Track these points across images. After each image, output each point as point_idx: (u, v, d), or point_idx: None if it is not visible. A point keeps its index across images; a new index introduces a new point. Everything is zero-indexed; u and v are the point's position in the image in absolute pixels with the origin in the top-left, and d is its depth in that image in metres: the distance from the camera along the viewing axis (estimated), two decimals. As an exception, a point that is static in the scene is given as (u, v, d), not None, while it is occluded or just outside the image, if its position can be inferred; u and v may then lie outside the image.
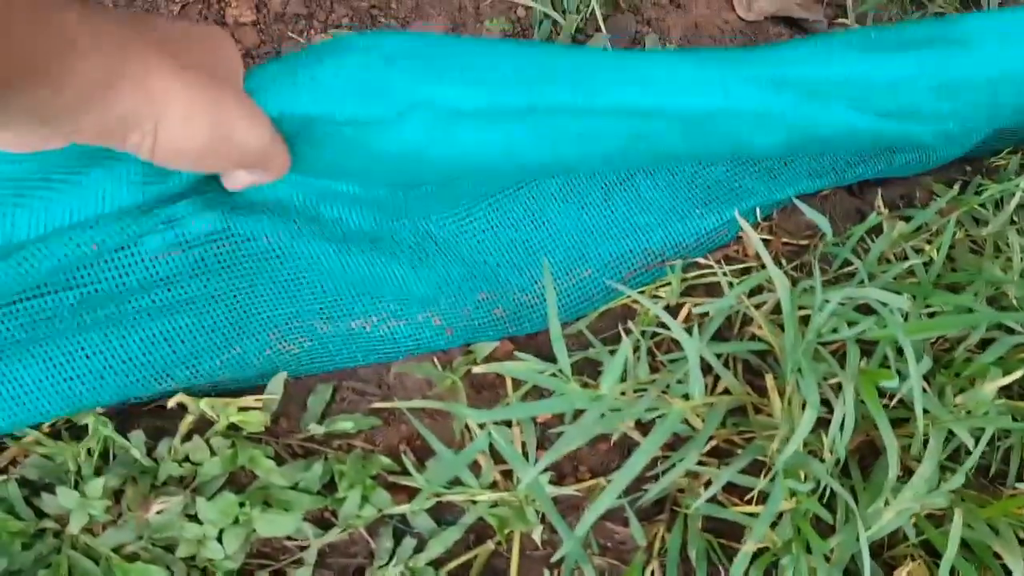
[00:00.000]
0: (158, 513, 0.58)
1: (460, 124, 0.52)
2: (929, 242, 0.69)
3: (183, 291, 0.58)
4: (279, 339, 0.62)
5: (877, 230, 0.73)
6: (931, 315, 0.63)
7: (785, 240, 0.74)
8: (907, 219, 0.72)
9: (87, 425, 0.59)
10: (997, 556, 0.57)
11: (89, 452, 0.59)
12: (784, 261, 0.74)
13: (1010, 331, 0.61)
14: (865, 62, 0.61)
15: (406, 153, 0.52)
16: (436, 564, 0.61)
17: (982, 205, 0.72)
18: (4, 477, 0.59)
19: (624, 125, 0.57)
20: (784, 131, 0.63)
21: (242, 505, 0.58)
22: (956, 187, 0.77)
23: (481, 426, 0.60)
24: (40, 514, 0.59)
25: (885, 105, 0.63)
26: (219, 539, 0.58)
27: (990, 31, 0.64)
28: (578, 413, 0.54)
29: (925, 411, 0.54)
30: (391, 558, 0.61)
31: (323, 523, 0.62)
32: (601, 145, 0.59)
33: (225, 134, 0.42)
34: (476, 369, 0.57)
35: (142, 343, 0.57)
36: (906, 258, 0.69)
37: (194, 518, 0.58)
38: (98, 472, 0.59)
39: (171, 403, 0.59)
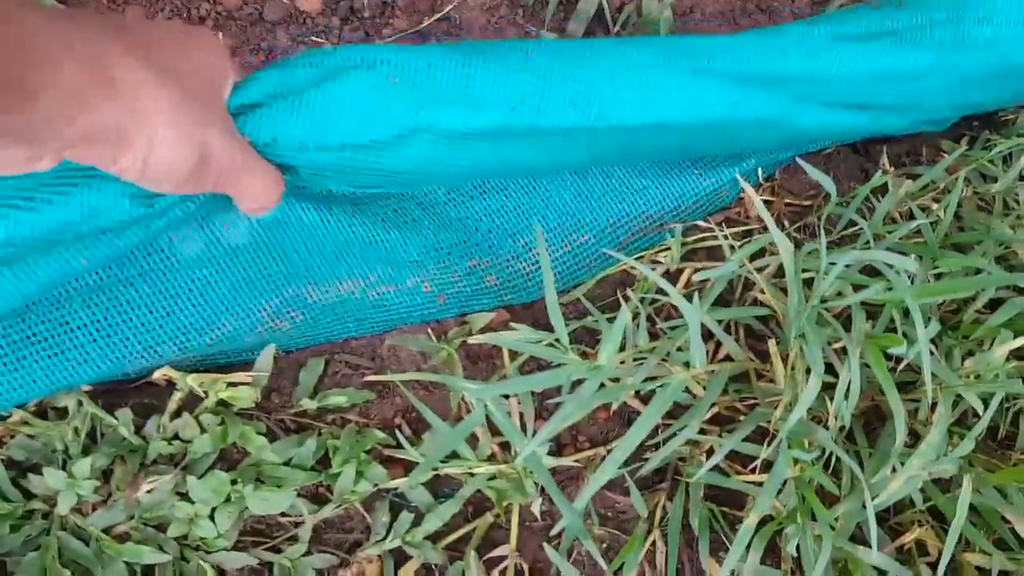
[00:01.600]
0: (148, 492, 0.56)
1: (462, 144, 0.51)
2: (936, 200, 0.67)
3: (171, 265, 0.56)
4: (270, 317, 0.60)
5: (882, 189, 0.71)
6: (938, 276, 0.61)
7: (788, 201, 0.72)
8: (913, 177, 0.69)
9: (73, 404, 0.58)
10: (1005, 520, 0.56)
11: (76, 431, 0.58)
12: (787, 222, 0.72)
13: (1020, 291, 0.59)
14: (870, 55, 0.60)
15: (405, 171, 0.51)
16: (434, 538, 0.60)
17: (990, 161, 0.70)
18: (-11, 458, 0.58)
19: (626, 136, 0.56)
20: (783, 133, 0.64)
21: (234, 483, 0.57)
22: (963, 143, 0.75)
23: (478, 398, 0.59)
24: (28, 495, 0.58)
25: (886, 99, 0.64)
26: (211, 517, 0.57)
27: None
28: (577, 383, 0.52)
29: (933, 376, 0.52)
30: (388, 533, 0.60)
31: (318, 499, 0.61)
32: (603, 151, 0.59)
33: (207, 155, 0.41)
34: (472, 340, 0.56)
35: (128, 318, 0.56)
36: (912, 217, 0.66)
37: (185, 497, 0.57)
38: (86, 452, 0.58)
39: (157, 375, 0.58)
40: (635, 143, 0.59)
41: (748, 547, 0.53)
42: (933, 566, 0.59)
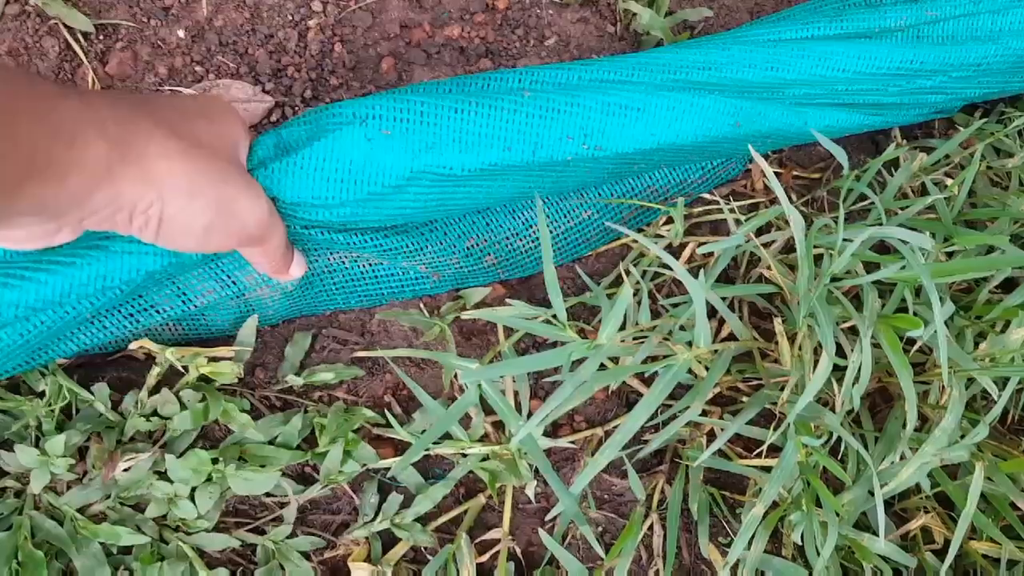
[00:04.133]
0: (125, 471, 0.54)
1: (460, 184, 0.52)
2: (949, 176, 0.64)
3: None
4: (255, 283, 0.57)
5: (894, 162, 0.68)
6: (950, 254, 0.59)
7: (796, 174, 0.70)
8: (927, 151, 0.67)
9: (46, 378, 0.55)
10: (1015, 507, 0.55)
11: (50, 407, 0.55)
12: (794, 196, 0.69)
13: (1038, 271, 0.57)
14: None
15: (404, 212, 0.53)
16: (424, 520, 0.58)
17: (1006, 135, 0.67)
18: None
19: (625, 161, 0.57)
20: (788, 139, 0.65)
21: (215, 461, 0.55)
22: (978, 115, 0.72)
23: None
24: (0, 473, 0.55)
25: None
26: (191, 498, 0.55)
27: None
28: (576, 363, 0.50)
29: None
30: (376, 514, 0.58)
31: (304, 479, 0.58)
32: (601, 175, 0.60)
33: (229, 210, 0.42)
34: (465, 315, 0.53)
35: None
36: (925, 192, 0.64)
37: (164, 476, 0.54)
38: (60, 428, 0.55)
39: (134, 346, 0.55)
40: (635, 164, 0.60)
41: (753, 536, 0.50)
42: (938, 553, 0.58)
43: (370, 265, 0.60)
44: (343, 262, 0.59)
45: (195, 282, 0.55)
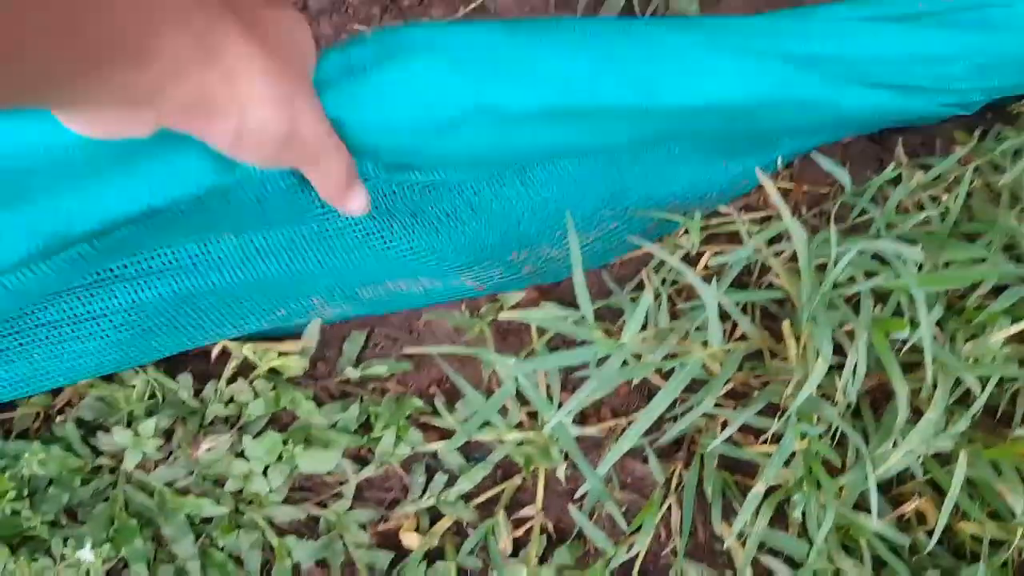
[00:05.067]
0: (207, 451, 0.62)
1: (518, 127, 0.52)
2: (948, 191, 0.70)
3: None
4: (321, 304, 0.65)
5: (897, 178, 0.74)
6: (946, 265, 0.65)
7: (806, 189, 0.76)
8: (927, 168, 0.72)
9: (138, 375, 0.63)
10: (1001, 496, 0.60)
11: (140, 395, 0.63)
12: (804, 209, 0.75)
13: (1023, 280, 0.62)
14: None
15: (457, 153, 0.52)
16: (466, 498, 0.65)
17: (999, 153, 0.72)
18: (62, 418, 0.64)
19: (673, 119, 0.58)
20: (822, 113, 0.65)
21: (285, 443, 0.62)
22: (976, 135, 0.78)
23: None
24: (96, 452, 0.63)
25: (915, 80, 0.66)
26: (264, 474, 0.62)
27: None
28: (602, 360, 0.57)
29: (935, 358, 0.56)
30: (424, 492, 0.65)
31: (360, 460, 0.66)
32: (651, 133, 0.60)
33: (296, 127, 0.41)
34: (502, 316, 0.60)
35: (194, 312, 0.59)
36: (923, 208, 0.70)
37: (241, 455, 0.62)
38: (149, 413, 0.63)
39: (216, 351, 0.63)
40: (680, 126, 0.61)
41: (757, 512, 0.57)
42: (931, 534, 0.64)
43: (423, 288, 0.66)
44: (401, 288, 0.66)
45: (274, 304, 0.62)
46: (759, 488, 0.55)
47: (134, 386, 0.63)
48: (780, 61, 0.59)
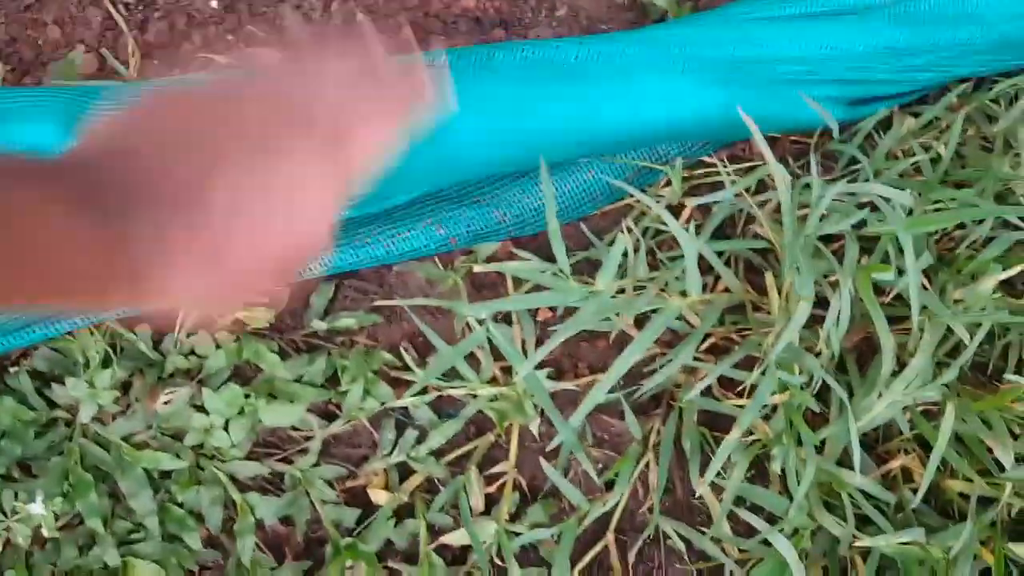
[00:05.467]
0: (165, 404, 0.59)
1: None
2: (938, 138, 0.67)
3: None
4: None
5: (888, 123, 0.71)
6: (936, 210, 0.62)
7: (793, 138, 0.73)
8: (917, 116, 0.70)
9: (93, 319, 0.61)
10: (989, 450, 0.58)
11: (96, 345, 0.61)
12: (791, 159, 0.72)
13: (1015, 228, 0.60)
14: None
15: None
16: (437, 454, 0.63)
17: (994, 100, 0.70)
18: (15, 369, 0.61)
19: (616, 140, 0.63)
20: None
21: (247, 396, 0.60)
22: (972, 83, 0.75)
23: (480, 322, 0.61)
24: (51, 404, 0.61)
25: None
26: (225, 428, 0.60)
27: None
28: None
29: (923, 307, 0.54)
30: (393, 448, 0.63)
31: (327, 415, 0.64)
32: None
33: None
34: (477, 268, 0.58)
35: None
36: (914, 155, 0.67)
37: (201, 408, 0.60)
38: (106, 364, 0.61)
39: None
40: (625, 143, 0.65)
41: (734, 463, 0.55)
42: (917, 492, 0.62)
43: (394, 241, 0.64)
44: (367, 243, 0.63)
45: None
46: (733, 435, 0.53)
47: (92, 335, 0.61)
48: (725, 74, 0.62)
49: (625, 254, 0.57)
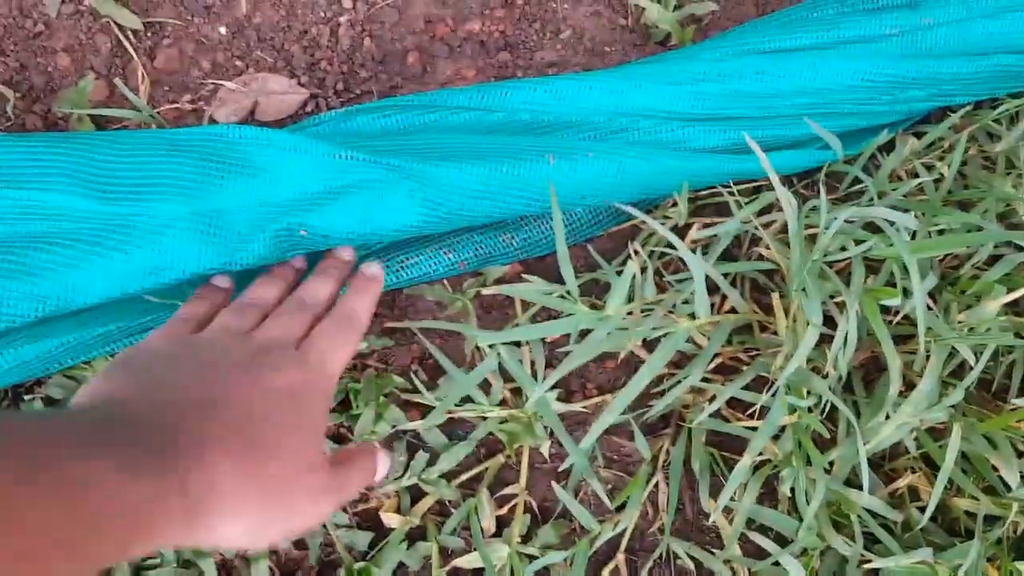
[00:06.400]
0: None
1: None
2: (941, 159, 0.68)
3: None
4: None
5: (890, 147, 0.72)
6: (940, 233, 0.63)
7: (796, 158, 0.74)
8: (920, 136, 0.71)
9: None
10: (995, 469, 0.59)
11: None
12: (795, 180, 0.73)
13: (1019, 248, 0.61)
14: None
15: None
16: (448, 476, 0.64)
17: (996, 121, 0.71)
18: (30, 397, 0.62)
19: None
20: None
21: (260, 422, 0.60)
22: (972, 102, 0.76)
23: (491, 346, 0.61)
24: (67, 431, 0.61)
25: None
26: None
27: None
28: (586, 333, 0.55)
29: (928, 328, 0.54)
30: (405, 471, 0.63)
31: (339, 439, 0.64)
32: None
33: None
34: (486, 291, 0.58)
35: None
36: (917, 176, 0.68)
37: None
38: (120, 391, 0.61)
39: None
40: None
41: (745, 487, 0.55)
42: (924, 510, 0.62)
43: (403, 266, 0.64)
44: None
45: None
46: (746, 460, 0.54)
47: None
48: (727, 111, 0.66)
49: (633, 276, 0.57)
